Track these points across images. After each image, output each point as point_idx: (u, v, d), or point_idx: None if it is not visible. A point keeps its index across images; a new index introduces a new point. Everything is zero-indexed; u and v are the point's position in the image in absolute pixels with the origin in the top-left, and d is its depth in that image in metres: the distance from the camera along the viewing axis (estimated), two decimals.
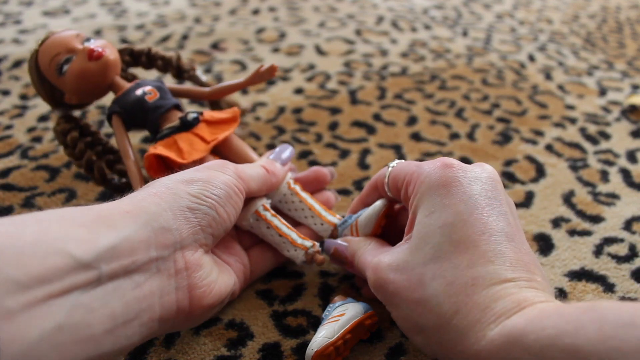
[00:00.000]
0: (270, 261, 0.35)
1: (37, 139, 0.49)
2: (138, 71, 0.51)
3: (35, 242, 0.21)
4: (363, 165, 0.47)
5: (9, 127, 0.51)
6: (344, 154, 0.49)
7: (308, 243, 0.34)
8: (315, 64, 0.65)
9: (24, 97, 0.56)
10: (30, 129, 0.51)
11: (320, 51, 0.68)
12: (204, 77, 0.45)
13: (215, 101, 0.46)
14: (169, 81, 0.51)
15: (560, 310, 0.21)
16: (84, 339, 0.21)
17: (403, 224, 0.30)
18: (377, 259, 0.28)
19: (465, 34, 0.77)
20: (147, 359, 0.30)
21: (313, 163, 0.47)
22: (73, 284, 0.21)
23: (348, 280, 0.36)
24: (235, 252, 0.33)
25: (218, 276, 0.29)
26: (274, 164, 0.35)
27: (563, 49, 0.73)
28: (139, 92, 0.37)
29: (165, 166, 0.36)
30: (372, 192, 0.34)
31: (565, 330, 0.19)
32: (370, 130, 0.52)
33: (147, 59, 0.45)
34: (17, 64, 0.62)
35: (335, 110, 0.55)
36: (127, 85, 0.38)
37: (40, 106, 0.54)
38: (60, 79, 0.37)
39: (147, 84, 0.38)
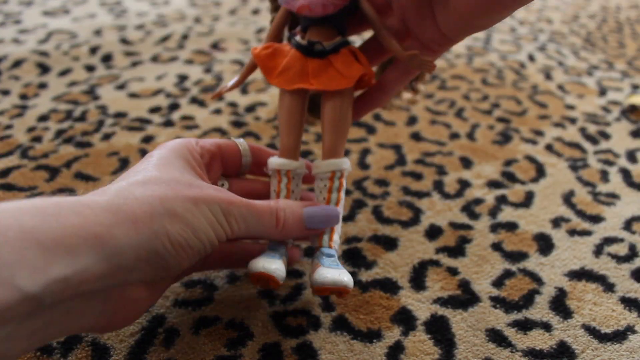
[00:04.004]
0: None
1: (37, 139, 0.49)
2: None
3: None
4: (363, 165, 0.47)
5: (9, 127, 0.51)
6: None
7: None
8: None
9: (24, 97, 0.56)
10: (30, 129, 0.51)
11: None
12: None
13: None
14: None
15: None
16: None
17: None
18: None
19: None
20: (147, 358, 0.30)
21: None
22: (10, 317, 0.19)
23: None
24: None
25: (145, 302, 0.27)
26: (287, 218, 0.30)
27: (563, 49, 0.73)
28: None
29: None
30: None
31: None
32: (370, 130, 0.52)
33: None
34: (17, 63, 0.62)
35: None
36: None
37: (40, 106, 0.54)
38: None
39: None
